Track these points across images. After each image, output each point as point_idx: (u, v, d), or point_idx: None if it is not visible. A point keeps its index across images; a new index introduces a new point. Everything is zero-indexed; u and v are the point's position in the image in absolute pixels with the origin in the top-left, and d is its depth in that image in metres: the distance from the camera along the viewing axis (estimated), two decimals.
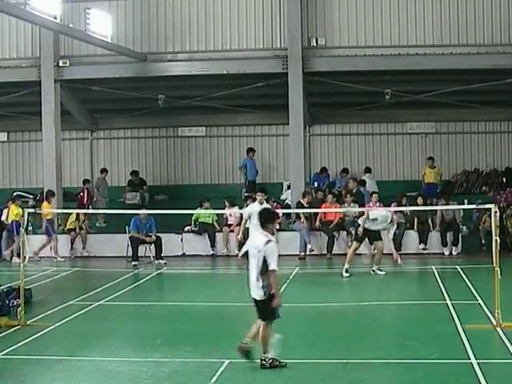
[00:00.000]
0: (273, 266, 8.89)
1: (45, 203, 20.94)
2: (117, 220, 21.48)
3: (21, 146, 26.06)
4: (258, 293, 9.08)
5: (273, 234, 9.34)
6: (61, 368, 9.32)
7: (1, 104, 24.06)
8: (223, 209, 20.94)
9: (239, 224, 21.26)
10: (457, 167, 24.19)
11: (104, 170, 24.31)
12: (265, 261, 8.90)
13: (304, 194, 20.44)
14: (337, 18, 21.96)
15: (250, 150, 23.66)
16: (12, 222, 20.82)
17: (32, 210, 13.55)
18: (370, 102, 23.45)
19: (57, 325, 11.88)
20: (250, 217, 15.60)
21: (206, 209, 20.92)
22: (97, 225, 23.17)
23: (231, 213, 20.97)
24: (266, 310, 9.12)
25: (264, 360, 9.09)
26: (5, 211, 22.18)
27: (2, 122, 25.45)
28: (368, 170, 23.72)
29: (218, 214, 21.12)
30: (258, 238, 9.18)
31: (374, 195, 21.24)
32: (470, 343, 9.99)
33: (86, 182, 23.84)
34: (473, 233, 21.05)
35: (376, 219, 16.69)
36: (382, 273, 16.75)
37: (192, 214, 20.87)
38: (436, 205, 20.59)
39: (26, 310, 12.04)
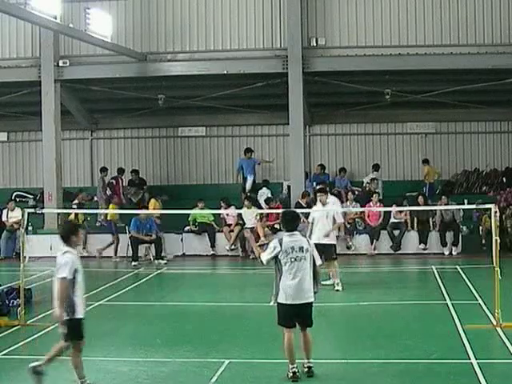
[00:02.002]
0: (320, 260, 9.12)
1: (151, 201, 21.23)
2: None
3: (21, 145, 26.06)
4: (312, 296, 8.88)
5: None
6: (61, 368, 9.31)
7: (1, 104, 24.06)
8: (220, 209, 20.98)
9: (238, 224, 21.34)
10: (457, 167, 24.18)
11: (104, 170, 24.28)
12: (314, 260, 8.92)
13: (303, 194, 20.40)
14: (337, 18, 21.96)
15: (248, 151, 23.65)
16: (109, 221, 21.04)
17: (32, 210, 13.51)
18: (370, 101, 23.45)
19: (57, 325, 11.87)
20: (313, 220, 14.94)
21: (201, 209, 20.92)
22: (97, 224, 23.14)
23: (228, 213, 21.00)
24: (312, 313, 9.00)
25: (311, 367, 8.87)
26: (4, 211, 22.23)
27: (1, 121, 25.45)
28: (375, 168, 23.60)
29: (214, 215, 21.11)
30: (298, 239, 8.87)
31: (374, 195, 21.38)
32: (470, 343, 10.00)
33: (120, 171, 23.99)
34: (473, 233, 21.06)
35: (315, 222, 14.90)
36: (339, 288, 14.88)
37: (189, 215, 20.92)
38: (435, 205, 20.59)
39: (25, 310, 12.05)
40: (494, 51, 21.25)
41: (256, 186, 23.31)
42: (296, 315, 8.78)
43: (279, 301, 8.76)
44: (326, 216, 14.77)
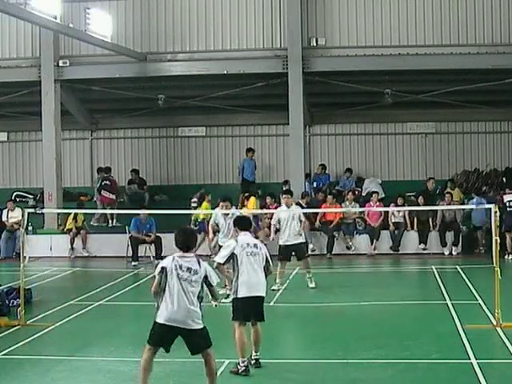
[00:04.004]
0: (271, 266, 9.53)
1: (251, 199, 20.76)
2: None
3: (21, 145, 26.04)
4: (264, 289, 9.28)
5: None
6: (61, 368, 9.33)
7: (1, 104, 24.05)
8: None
9: None
10: (457, 167, 24.17)
11: (101, 170, 24.26)
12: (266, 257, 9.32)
13: (303, 194, 20.40)
14: (337, 18, 21.96)
15: (249, 150, 23.65)
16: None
17: (32, 210, 13.52)
18: (370, 102, 23.44)
19: (57, 325, 11.89)
20: (279, 222, 15.12)
21: (208, 202, 20.73)
22: (91, 223, 23.04)
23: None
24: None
25: (258, 359, 9.20)
26: (5, 211, 22.23)
27: (1, 121, 25.43)
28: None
29: None
30: (252, 238, 9.53)
31: (373, 195, 21.41)
32: (470, 343, 9.99)
33: (108, 170, 23.77)
34: (473, 233, 21.04)
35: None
36: (312, 285, 15.05)
37: (191, 214, 20.88)
38: (437, 205, 20.57)
39: (25, 310, 12.05)
40: (493, 51, 21.26)
41: (253, 187, 23.27)
42: (252, 309, 9.14)
43: (239, 296, 9.10)
44: (292, 217, 14.88)
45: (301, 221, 15.08)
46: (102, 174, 23.91)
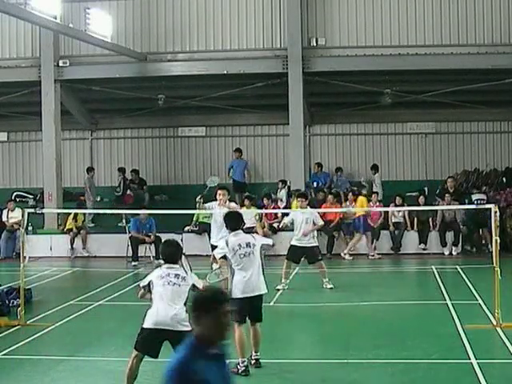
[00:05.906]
0: (272, 241, 9.81)
1: (361, 197, 20.58)
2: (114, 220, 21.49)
3: (21, 145, 26.03)
4: (264, 288, 9.20)
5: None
6: (61, 368, 9.33)
7: (1, 104, 24.04)
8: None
9: None
10: (457, 167, 24.17)
11: (91, 169, 24.26)
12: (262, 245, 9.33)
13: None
14: (337, 18, 21.96)
15: (237, 151, 23.63)
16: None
17: (32, 210, 13.51)
18: (370, 101, 23.44)
19: (57, 325, 11.89)
20: (292, 223, 15.02)
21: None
22: (90, 225, 23.05)
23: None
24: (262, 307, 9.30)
25: (258, 359, 9.19)
26: (5, 211, 22.22)
27: (2, 121, 25.41)
28: (375, 169, 23.24)
29: None
30: (244, 237, 9.26)
31: (373, 195, 21.40)
32: (470, 343, 10.00)
33: (122, 170, 24.03)
34: (473, 233, 21.03)
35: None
36: (330, 286, 14.99)
37: (192, 214, 20.86)
38: (437, 205, 20.56)
39: (25, 310, 12.05)
40: (493, 51, 21.25)
41: (245, 187, 23.23)
42: (249, 309, 9.04)
43: (233, 296, 8.94)
44: (306, 221, 14.78)
45: (315, 224, 14.93)
46: (91, 174, 23.95)
